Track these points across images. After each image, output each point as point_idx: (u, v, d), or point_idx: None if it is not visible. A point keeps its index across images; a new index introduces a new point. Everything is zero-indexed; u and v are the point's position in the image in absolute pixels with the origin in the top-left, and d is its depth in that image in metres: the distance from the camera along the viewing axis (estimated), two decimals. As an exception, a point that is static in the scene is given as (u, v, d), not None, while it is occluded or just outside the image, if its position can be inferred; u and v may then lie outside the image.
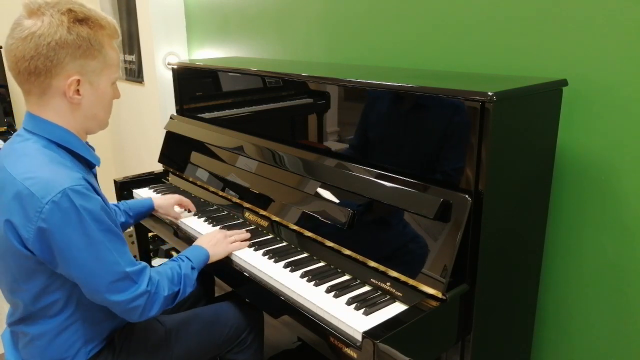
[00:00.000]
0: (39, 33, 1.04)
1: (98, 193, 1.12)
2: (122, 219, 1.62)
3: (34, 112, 1.12)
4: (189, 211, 1.76)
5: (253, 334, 1.49)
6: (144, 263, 1.17)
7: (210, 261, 1.39)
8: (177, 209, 1.74)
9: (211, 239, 1.45)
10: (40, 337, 1.15)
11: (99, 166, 1.23)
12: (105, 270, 1.07)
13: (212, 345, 1.42)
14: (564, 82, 1.27)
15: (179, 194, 1.94)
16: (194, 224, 1.68)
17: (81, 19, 1.08)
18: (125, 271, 1.10)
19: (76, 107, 1.12)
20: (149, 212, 1.71)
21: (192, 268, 1.30)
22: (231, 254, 1.46)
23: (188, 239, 1.62)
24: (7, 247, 1.07)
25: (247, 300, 1.53)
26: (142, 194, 1.99)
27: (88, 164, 1.19)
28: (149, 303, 1.14)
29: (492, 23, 1.48)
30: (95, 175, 1.26)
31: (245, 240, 1.51)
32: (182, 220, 1.72)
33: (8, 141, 1.16)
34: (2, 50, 1.08)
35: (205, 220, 1.69)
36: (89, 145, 1.24)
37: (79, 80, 1.09)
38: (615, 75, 1.27)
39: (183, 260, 1.30)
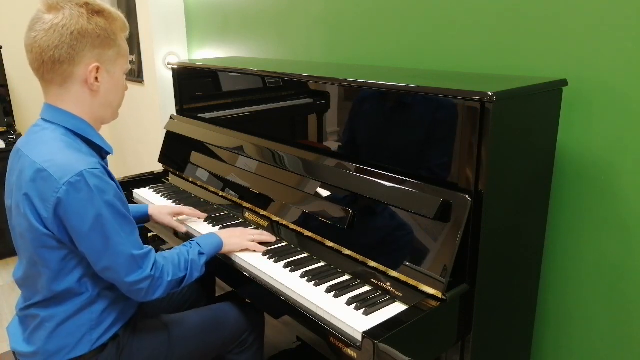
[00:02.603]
0: (62, 24, 1.11)
1: (112, 179, 1.18)
2: None
3: (53, 102, 1.18)
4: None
5: (254, 334, 1.50)
6: (149, 247, 1.21)
7: (223, 251, 1.41)
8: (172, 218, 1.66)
9: (228, 230, 1.49)
10: (50, 319, 1.19)
11: (112, 154, 1.29)
12: (112, 251, 1.13)
13: (213, 346, 1.43)
14: (564, 82, 1.27)
15: (179, 194, 1.95)
16: (193, 224, 1.68)
17: (97, 11, 1.16)
18: (131, 254, 1.15)
19: (95, 95, 1.19)
20: (143, 219, 1.66)
21: (201, 253, 1.32)
22: (233, 254, 1.45)
23: (188, 239, 1.62)
24: (27, 226, 1.13)
25: (247, 300, 1.53)
26: (142, 194, 1.98)
27: (101, 153, 1.25)
28: (153, 287, 1.20)
29: (492, 23, 1.48)
30: (107, 164, 1.30)
31: (265, 242, 1.48)
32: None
33: (27, 132, 1.22)
34: (24, 45, 1.17)
35: (204, 220, 1.69)
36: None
37: (98, 68, 1.16)
38: (615, 75, 1.27)
39: (192, 246, 1.34)
